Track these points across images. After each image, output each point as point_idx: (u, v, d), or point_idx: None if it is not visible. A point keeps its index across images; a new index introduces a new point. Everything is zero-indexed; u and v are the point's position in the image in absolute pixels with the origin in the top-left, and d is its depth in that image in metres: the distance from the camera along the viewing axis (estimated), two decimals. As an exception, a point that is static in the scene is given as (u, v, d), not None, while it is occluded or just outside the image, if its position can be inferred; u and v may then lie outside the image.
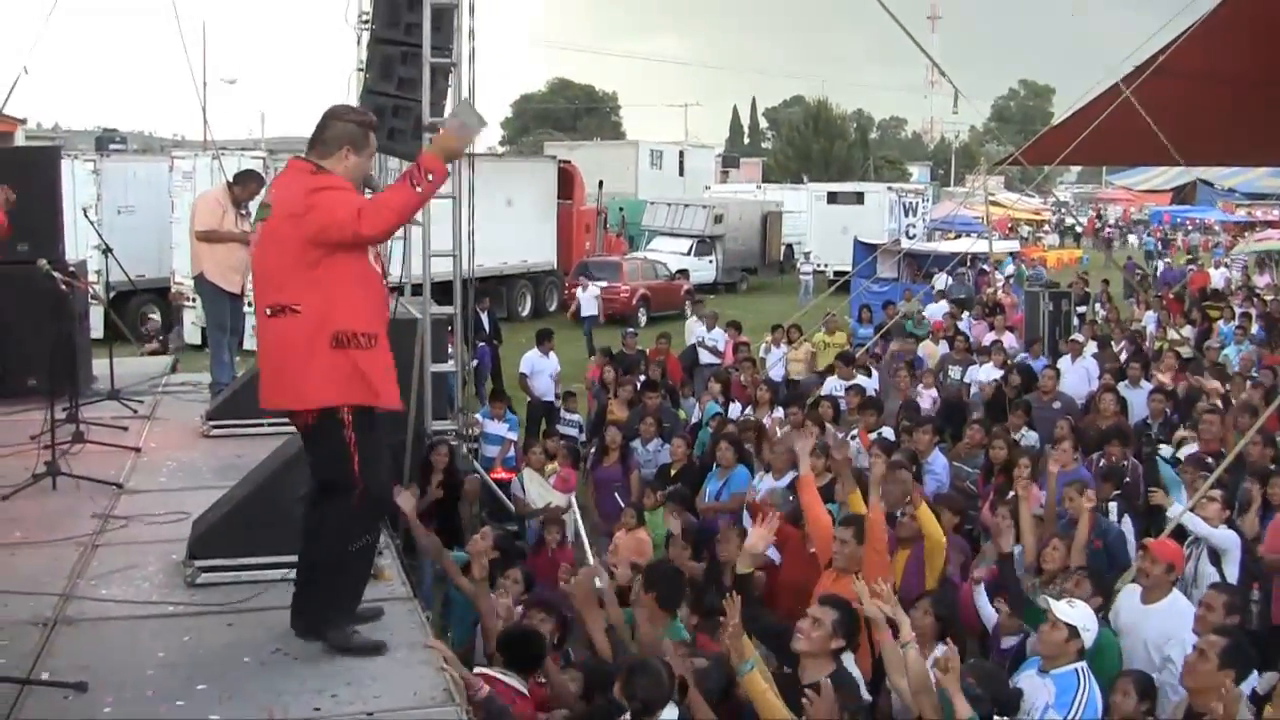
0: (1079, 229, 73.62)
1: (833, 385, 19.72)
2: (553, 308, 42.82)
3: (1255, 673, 7.97)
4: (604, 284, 41.49)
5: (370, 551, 7.59)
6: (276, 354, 7.01)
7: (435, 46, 13.24)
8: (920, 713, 7.35)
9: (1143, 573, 9.65)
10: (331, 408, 6.91)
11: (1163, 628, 9.15)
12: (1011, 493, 11.84)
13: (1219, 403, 16.35)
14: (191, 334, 30.74)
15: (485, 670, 7.95)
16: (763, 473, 13.97)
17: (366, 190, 7.68)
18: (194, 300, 28.54)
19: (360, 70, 14.78)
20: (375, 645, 7.26)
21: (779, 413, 17.34)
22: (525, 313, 40.64)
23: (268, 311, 6.93)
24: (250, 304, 14.91)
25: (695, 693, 7.72)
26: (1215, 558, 10.88)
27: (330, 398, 6.91)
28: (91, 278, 18.57)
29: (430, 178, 6.84)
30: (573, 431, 18.63)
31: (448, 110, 13.65)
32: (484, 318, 23.64)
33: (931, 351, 23.72)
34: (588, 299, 34.37)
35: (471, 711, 6.80)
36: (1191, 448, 14.66)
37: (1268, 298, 33.82)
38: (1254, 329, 25.73)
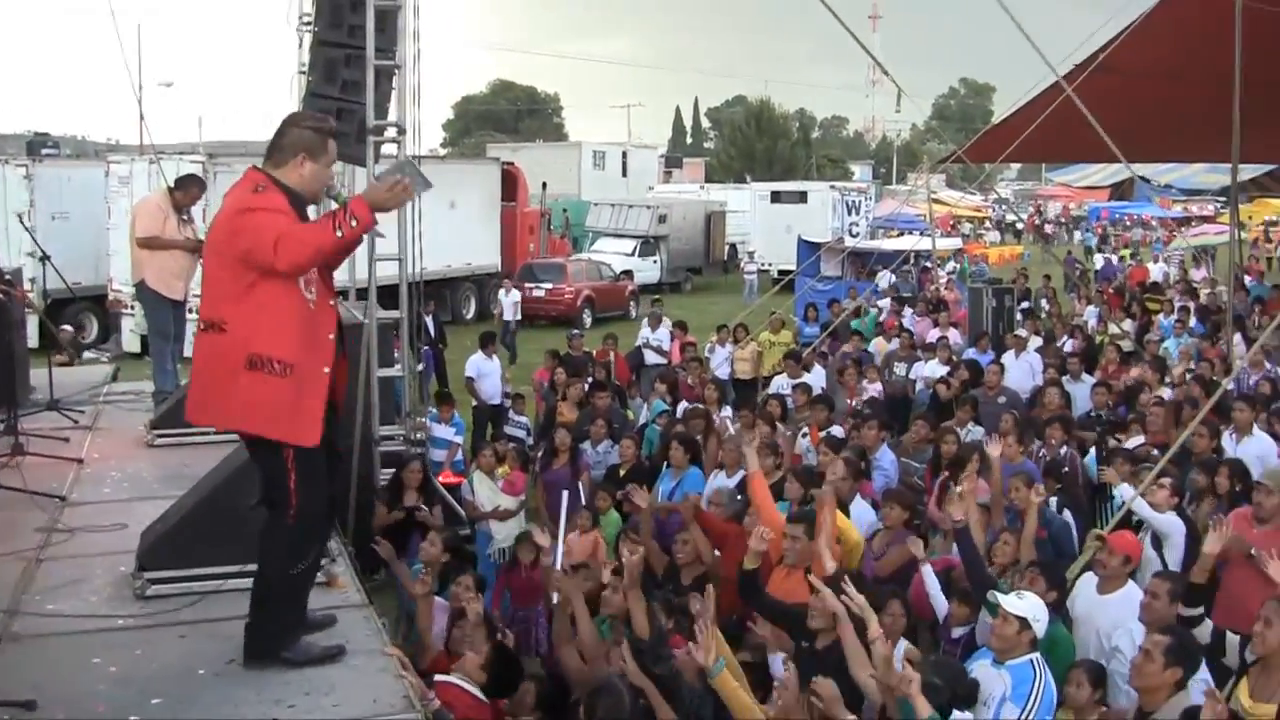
0: (1020, 225, 73.96)
1: (780, 384, 19.71)
2: (497, 310, 42.54)
3: (1205, 667, 7.99)
4: (549, 285, 41.54)
5: (314, 569, 7.52)
6: (205, 371, 6.99)
7: (379, 49, 13.12)
8: (885, 707, 7.36)
9: (1100, 564, 9.71)
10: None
11: (1117, 617, 9.22)
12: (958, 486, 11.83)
13: (1162, 395, 16.46)
14: (130, 342, 30.43)
15: (446, 678, 7.90)
16: (716, 470, 13.96)
17: (330, 201, 7.59)
18: (132, 307, 28.40)
19: (303, 73, 14.67)
20: (335, 650, 7.20)
21: (727, 411, 17.32)
22: (469, 315, 40.48)
23: (202, 325, 6.91)
24: (193, 311, 14.87)
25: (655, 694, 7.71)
26: (1158, 543, 10.98)
27: (243, 425, 6.95)
28: (26, 285, 18.31)
29: (354, 223, 6.78)
30: (520, 434, 18.51)
31: (392, 113, 13.57)
32: (429, 321, 23.54)
33: (882, 348, 23.79)
34: (509, 304, 33.83)
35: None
36: (1137, 439, 14.75)
37: (1204, 291, 34.03)
38: (1192, 322, 25.89)
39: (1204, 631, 8.67)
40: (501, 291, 35.01)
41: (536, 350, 26.02)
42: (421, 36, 14.00)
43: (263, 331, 6.77)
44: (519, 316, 34.61)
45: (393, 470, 13.38)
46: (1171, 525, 11.02)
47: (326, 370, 7.01)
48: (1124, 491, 11.67)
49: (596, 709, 7.10)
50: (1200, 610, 8.71)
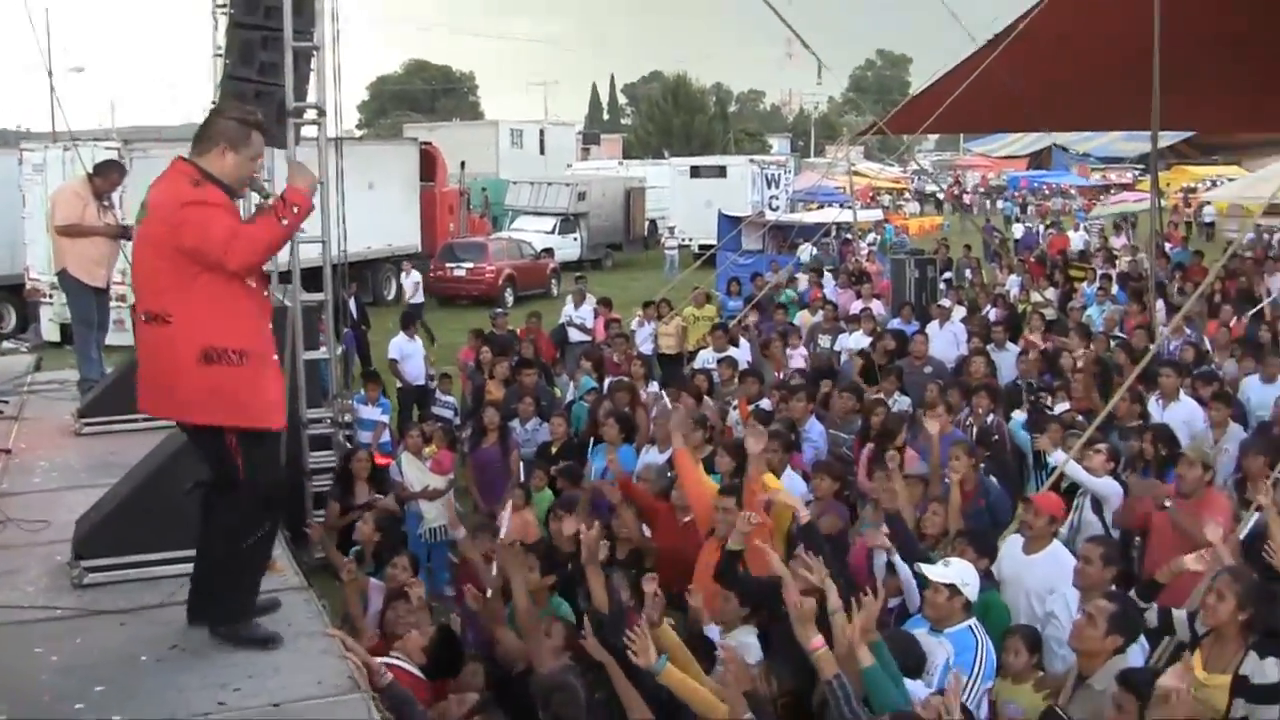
0: (940, 196, 74.42)
1: (705, 358, 19.78)
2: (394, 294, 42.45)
3: (1142, 637, 8.10)
4: (470, 265, 41.45)
5: (266, 545, 7.52)
6: (152, 361, 6.99)
7: (297, 30, 13.06)
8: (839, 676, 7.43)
9: (1025, 524, 9.86)
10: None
11: (1044, 577, 9.37)
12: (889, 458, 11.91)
13: (1086, 361, 16.62)
14: (50, 331, 30.15)
15: (383, 659, 7.92)
16: (647, 445, 14.03)
17: (253, 196, 7.57)
18: (51, 296, 28.13)
19: (219, 56, 14.56)
20: (269, 637, 7.20)
21: (653, 387, 17.39)
22: (391, 296, 40.22)
23: (143, 317, 6.90)
24: (116, 298, 14.73)
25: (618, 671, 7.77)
26: (1098, 507, 11.12)
27: (206, 418, 6.90)
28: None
29: (295, 210, 6.88)
30: (448, 413, 18.48)
31: (311, 95, 13.53)
32: (350, 303, 23.43)
33: (806, 321, 23.87)
34: (409, 286, 33.53)
35: (377, 699, 6.75)
36: (1063, 405, 14.92)
37: (1124, 259, 34.36)
38: (1114, 290, 26.12)
39: (1150, 616, 8.79)
40: (401, 274, 34.89)
41: (459, 330, 25.94)
42: (340, 17, 13.99)
43: (215, 324, 6.77)
44: (422, 298, 34.13)
45: (327, 453, 13.38)
46: (1110, 488, 11.16)
47: (275, 356, 7.08)
48: (1058, 458, 11.80)
49: (551, 705, 7.12)
50: (1154, 606, 8.84)
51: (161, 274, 6.81)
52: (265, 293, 7.29)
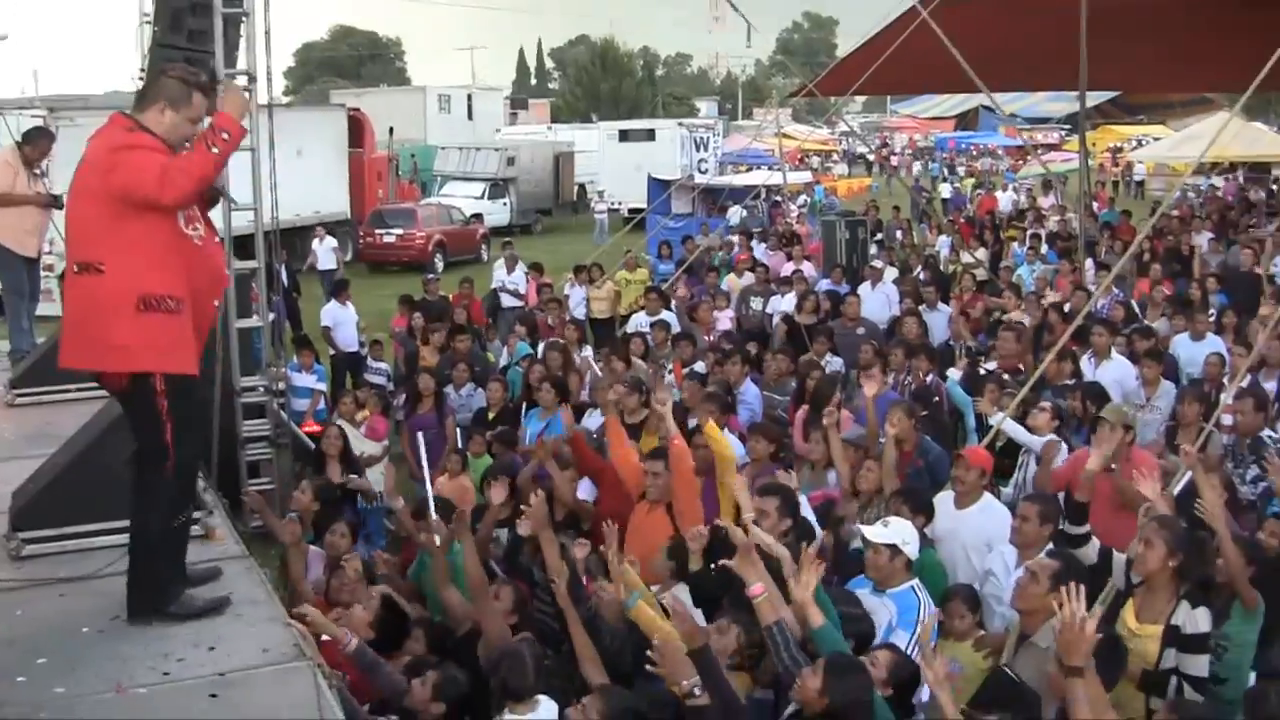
0: (871, 158, 74.61)
1: (639, 321, 19.77)
2: (348, 257, 42.16)
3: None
4: (400, 231, 41.30)
5: (190, 521, 7.49)
6: (79, 312, 6.88)
7: (227, -2, 12.94)
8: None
9: (957, 479, 9.90)
10: (143, 374, 6.79)
11: (978, 529, 9.48)
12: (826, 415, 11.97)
13: (1024, 320, 16.73)
14: (-21, 302, 29.79)
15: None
16: (590, 410, 14.07)
17: None
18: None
19: (148, 23, 14.40)
20: (219, 602, 7.19)
21: (587, 351, 17.40)
22: (319, 265, 39.98)
23: (75, 268, 6.80)
24: (46, 269, 14.59)
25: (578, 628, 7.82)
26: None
27: (137, 364, 6.80)
28: None
29: (226, 136, 6.81)
30: (380, 380, 18.42)
31: (241, 62, 13.42)
32: (281, 271, 23.29)
33: (735, 285, 23.89)
34: (324, 251, 33.13)
35: (324, 666, 6.73)
36: (990, 365, 15.02)
37: (1053, 219, 34.58)
38: (1044, 249, 26.28)
39: (1090, 551, 8.85)
40: (315, 241, 34.34)
41: (389, 296, 25.87)
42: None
43: (151, 271, 6.72)
44: (334, 265, 33.48)
45: (261, 421, 13.32)
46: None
47: (217, 303, 7.04)
48: (996, 418, 11.88)
49: (499, 671, 7.13)
50: (1087, 528, 8.90)
51: (94, 222, 6.75)
52: (217, 239, 7.23)
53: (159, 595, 7.07)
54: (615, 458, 10.93)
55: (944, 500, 10.02)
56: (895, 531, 8.32)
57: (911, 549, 8.31)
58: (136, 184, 6.63)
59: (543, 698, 7.06)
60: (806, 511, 9.88)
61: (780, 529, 8.40)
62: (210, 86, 7.53)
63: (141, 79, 13.09)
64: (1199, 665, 7.43)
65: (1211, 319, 16.91)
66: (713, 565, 8.86)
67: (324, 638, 7.64)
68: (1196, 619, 7.49)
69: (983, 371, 14.50)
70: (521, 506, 9.32)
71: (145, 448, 7.01)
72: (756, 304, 21.91)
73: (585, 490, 11.73)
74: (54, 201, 13.32)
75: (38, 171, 13.71)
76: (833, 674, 6.33)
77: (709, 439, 10.40)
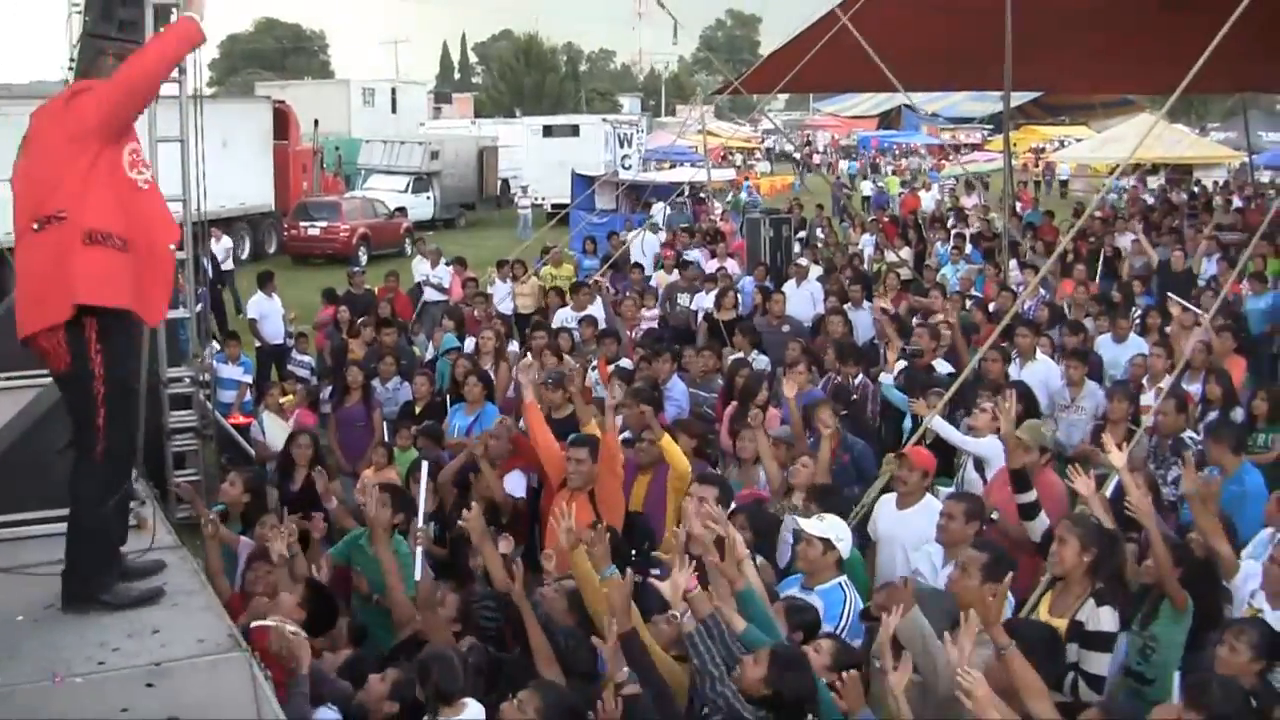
0: (798, 156, 74.80)
1: (565, 317, 19.79)
2: (272, 250, 42.25)
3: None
4: (324, 224, 41.18)
5: (125, 507, 7.49)
6: (42, 265, 6.84)
7: (159, -14, 12.88)
8: None
9: (899, 480, 9.98)
10: (82, 348, 6.76)
11: (918, 530, 9.54)
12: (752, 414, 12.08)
13: (951, 320, 16.84)
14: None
15: (266, 622, 7.90)
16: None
17: None
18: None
19: (77, 13, 14.32)
20: (154, 592, 7.19)
21: (514, 346, 17.42)
22: (244, 255, 39.85)
23: (35, 227, 6.78)
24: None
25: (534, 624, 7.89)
26: (980, 466, 11.31)
27: (79, 296, 6.74)
28: None
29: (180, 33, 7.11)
30: (305, 373, 18.37)
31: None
32: (205, 262, 23.16)
33: (663, 280, 23.95)
34: (220, 251, 31.32)
35: (259, 656, 6.75)
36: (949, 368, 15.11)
37: (976, 219, 34.83)
38: (968, 249, 26.45)
39: (1037, 528, 8.96)
40: (212, 240, 33.48)
41: (313, 289, 25.78)
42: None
43: (94, 207, 6.75)
44: (233, 266, 32.95)
45: (187, 413, 13.27)
46: (993, 449, 11.03)
47: (173, 247, 7.04)
48: (938, 423, 11.81)
49: (430, 676, 7.15)
50: (1034, 495, 9.02)
51: (52, 168, 6.78)
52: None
53: (93, 582, 7.07)
54: (538, 444, 11.01)
55: (886, 501, 10.19)
56: (830, 527, 8.44)
57: (844, 546, 8.45)
58: (89, 99, 6.79)
59: (470, 700, 7.09)
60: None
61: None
62: None
63: (71, 69, 13.04)
64: (1099, 663, 7.55)
65: (1136, 320, 17.11)
66: (634, 552, 8.98)
67: (253, 624, 7.68)
68: (1100, 617, 7.60)
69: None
70: (464, 513, 9.31)
71: (79, 433, 7.01)
72: (683, 300, 21.97)
73: (517, 485, 11.80)
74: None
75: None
76: (776, 663, 6.42)
77: (666, 454, 10.51)
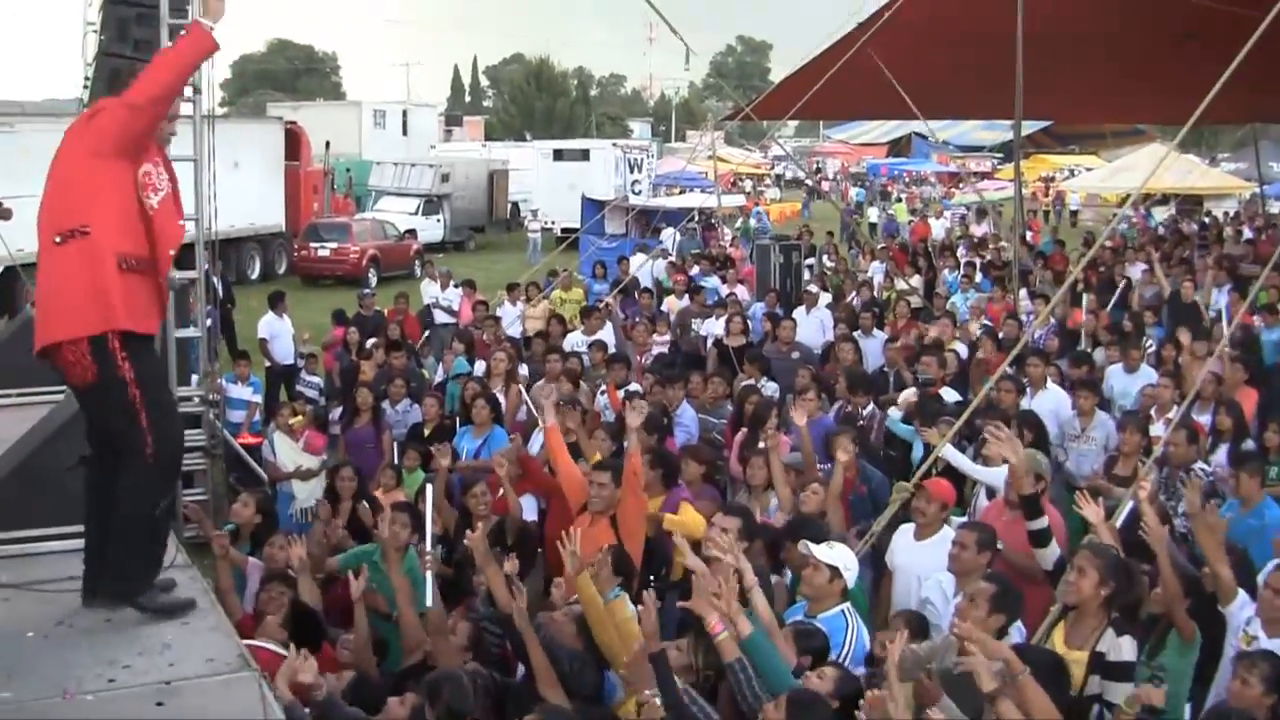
0: (810, 182, 74.77)
1: (575, 341, 19.79)
2: (282, 270, 42.46)
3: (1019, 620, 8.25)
4: (334, 245, 41.28)
5: (169, 512, 7.48)
6: (62, 279, 6.80)
7: (174, 7, 12.92)
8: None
9: (918, 511, 9.92)
10: (109, 359, 6.75)
11: (934, 562, 9.44)
12: (760, 443, 12.06)
13: (963, 349, 16.81)
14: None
15: (252, 642, 7.89)
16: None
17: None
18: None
19: (93, 31, 14.38)
20: (186, 603, 7.18)
21: (524, 369, 17.41)
22: (254, 275, 40.16)
23: (56, 240, 6.74)
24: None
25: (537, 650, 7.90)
26: (992, 495, 11.19)
27: (122, 321, 6.72)
28: None
29: (184, 32, 6.97)
30: (313, 394, 18.40)
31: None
32: (217, 282, 23.21)
33: (674, 306, 23.95)
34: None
35: (269, 677, 6.73)
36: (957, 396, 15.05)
37: (988, 247, 34.83)
38: (978, 278, 26.42)
39: (1048, 556, 8.94)
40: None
41: (322, 310, 25.88)
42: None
43: (118, 227, 6.75)
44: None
45: (197, 432, 13.30)
46: (997, 477, 10.86)
47: (172, 253, 7.06)
48: (949, 452, 11.73)
49: (440, 695, 7.14)
50: (1045, 522, 9.00)
51: (75, 186, 6.76)
52: (181, 221, 7.27)
53: (131, 584, 7.06)
54: (560, 467, 10.96)
55: (903, 532, 10.13)
56: (839, 555, 8.42)
57: (850, 576, 8.42)
58: (109, 115, 6.78)
59: None
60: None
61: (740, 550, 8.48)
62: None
63: (86, 87, 13.10)
64: (1122, 694, 7.46)
65: (1149, 350, 17.09)
66: (652, 578, 8.98)
67: (254, 642, 7.68)
68: (1121, 647, 7.59)
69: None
70: (467, 533, 9.32)
71: (121, 440, 6.98)
72: (697, 325, 21.94)
73: (528, 509, 11.82)
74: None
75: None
76: (794, 708, 6.42)
77: (683, 523, 10.42)
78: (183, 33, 6.91)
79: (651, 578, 9.08)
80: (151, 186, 6.99)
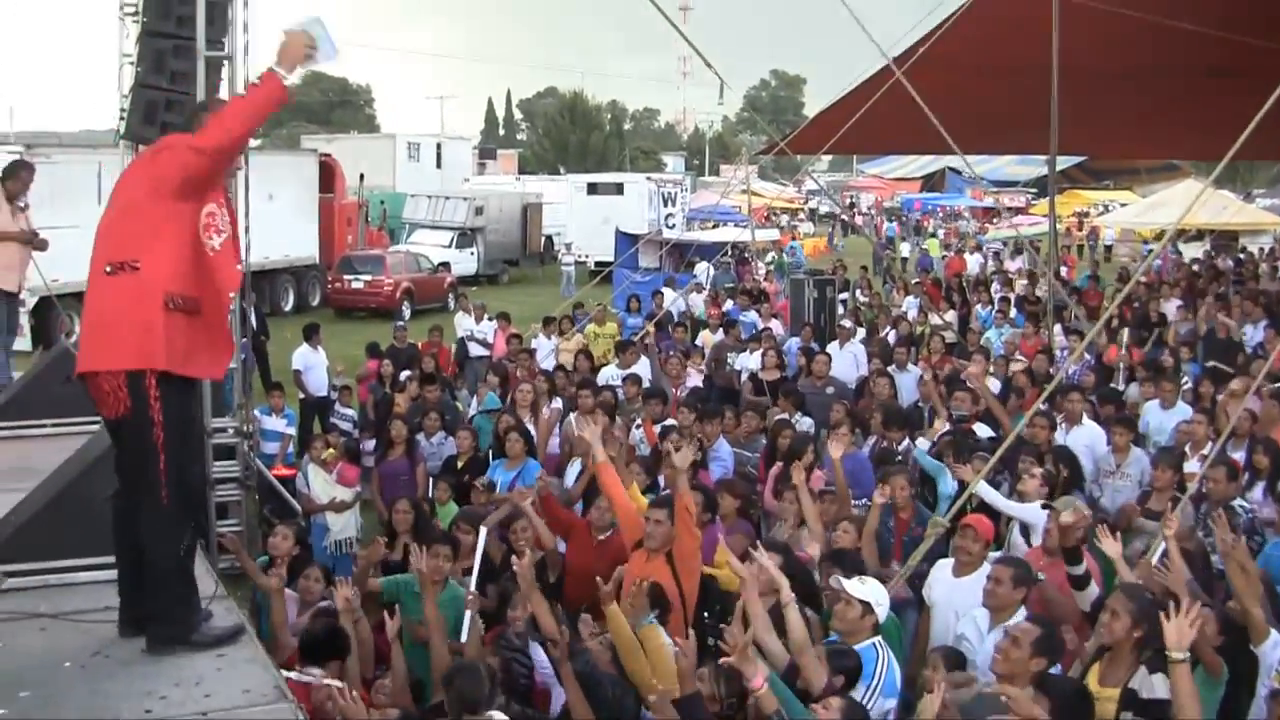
0: (845, 218, 74.73)
1: (610, 375, 19.79)
2: (315, 302, 42.57)
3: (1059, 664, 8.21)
4: (368, 277, 41.39)
5: (193, 549, 7.51)
6: (108, 312, 6.93)
7: (210, 40, 12.99)
8: (803, 671, 7.64)
9: (961, 549, 9.87)
10: (143, 396, 6.80)
11: (973, 598, 9.37)
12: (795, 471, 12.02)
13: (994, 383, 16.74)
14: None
15: (289, 675, 7.89)
16: (572, 460, 14.17)
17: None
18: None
19: (130, 63, 14.46)
20: (236, 629, 7.27)
21: (557, 403, 17.40)
22: (288, 308, 40.29)
23: (106, 269, 6.85)
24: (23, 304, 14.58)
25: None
26: (1026, 531, 11.19)
27: (161, 362, 6.83)
28: None
29: (256, 82, 7.07)
30: (347, 426, 18.42)
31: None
32: (251, 313, 23.26)
33: (709, 340, 23.94)
34: None
35: (303, 708, 6.75)
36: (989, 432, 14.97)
37: (1020, 282, 34.76)
38: (1012, 313, 26.36)
39: (1087, 598, 8.90)
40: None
41: (357, 343, 25.95)
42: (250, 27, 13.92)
43: (169, 266, 6.83)
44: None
45: (231, 463, 13.33)
46: (1038, 515, 10.95)
47: (232, 295, 7.14)
48: (983, 489, 11.66)
49: (454, 685, 7.16)
50: (1084, 568, 8.97)
51: (132, 220, 6.86)
52: (239, 265, 7.35)
53: (180, 626, 7.11)
54: (615, 501, 10.85)
55: (942, 567, 10.12)
56: (871, 590, 8.37)
57: (882, 611, 8.38)
58: (173, 154, 6.91)
59: (496, 713, 7.11)
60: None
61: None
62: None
63: (122, 119, 13.18)
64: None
65: (1186, 386, 17.01)
66: (705, 614, 8.98)
67: (292, 675, 7.70)
68: (1154, 684, 7.54)
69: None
70: (514, 560, 9.35)
71: (140, 480, 7.03)
72: (730, 359, 21.91)
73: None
74: (34, 237, 13.32)
75: (21, 205, 13.71)
76: None
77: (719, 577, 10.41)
78: (255, 81, 6.95)
79: (705, 614, 9.07)
80: (215, 228, 7.05)
